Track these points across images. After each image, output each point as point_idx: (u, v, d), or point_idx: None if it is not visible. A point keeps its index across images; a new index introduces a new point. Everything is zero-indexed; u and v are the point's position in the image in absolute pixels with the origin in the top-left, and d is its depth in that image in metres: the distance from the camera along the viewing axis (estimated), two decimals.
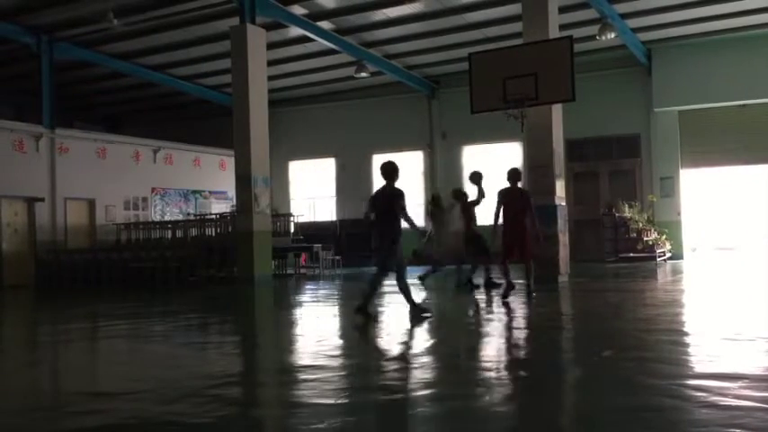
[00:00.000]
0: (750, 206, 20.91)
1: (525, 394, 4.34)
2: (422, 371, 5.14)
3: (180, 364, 5.87)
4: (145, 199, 21.45)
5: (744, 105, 19.04)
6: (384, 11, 17.08)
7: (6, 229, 17.90)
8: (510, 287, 9.47)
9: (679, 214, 19.70)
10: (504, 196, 9.78)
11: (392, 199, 7.83)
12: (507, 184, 9.92)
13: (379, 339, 7.12)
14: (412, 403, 4.16)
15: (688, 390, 4.17)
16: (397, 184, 8.00)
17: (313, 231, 20.73)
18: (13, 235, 18.07)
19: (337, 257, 19.31)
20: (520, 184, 10.01)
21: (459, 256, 11.77)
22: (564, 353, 6.18)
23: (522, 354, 5.94)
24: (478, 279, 11.36)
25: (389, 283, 8.85)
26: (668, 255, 18.74)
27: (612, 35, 16.98)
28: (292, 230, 19.34)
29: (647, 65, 19.77)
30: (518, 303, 9.18)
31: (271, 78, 17.36)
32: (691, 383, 4.35)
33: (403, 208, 7.85)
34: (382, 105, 22.98)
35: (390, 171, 7.96)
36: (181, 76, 22.00)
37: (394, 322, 8.05)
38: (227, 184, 21.41)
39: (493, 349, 6.27)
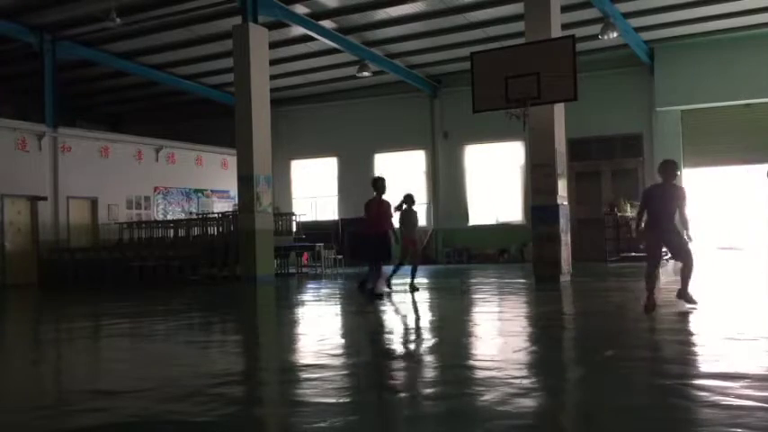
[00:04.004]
0: (753, 206, 20.83)
1: (527, 394, 4.34)
2: (423, 370, 5.14)
3: (182, 363, 5.87)
4: (147, 198, 21.48)
5: (748, 105, 19.00)
6: (386, 10, 17.09)
7: (9, 228, 17.93)
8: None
9: None
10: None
11: (673, 198, 8.88)
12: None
13: (379, 339, 7.12)
14: (413, 402, 4.16)
15: (690, 389, 4.17)
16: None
17: (315, 230, 20.74)
18: (16, 234, 18.11)
19: (339, 256, 19.32)
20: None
21: None
22: (566, 352, 6.18)
23: (523, 353, 5.93)
24: None
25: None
26: (670, 255, 18.67)
27: (615, 34, 16.97)
28: (294, 229, 19.35)
29: (650, 64, 19.74)
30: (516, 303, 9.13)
31: (273, 77, 17.37)
32: (693, 383, 4.35)
33: (684, 205, 8.88)
34: (384, 104, 22.98)
35: (674, 169, 8.99)
36: (183, 75, 22.02)
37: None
38: (230, 183, 21.45)
39: (494, 348, 6.26)
